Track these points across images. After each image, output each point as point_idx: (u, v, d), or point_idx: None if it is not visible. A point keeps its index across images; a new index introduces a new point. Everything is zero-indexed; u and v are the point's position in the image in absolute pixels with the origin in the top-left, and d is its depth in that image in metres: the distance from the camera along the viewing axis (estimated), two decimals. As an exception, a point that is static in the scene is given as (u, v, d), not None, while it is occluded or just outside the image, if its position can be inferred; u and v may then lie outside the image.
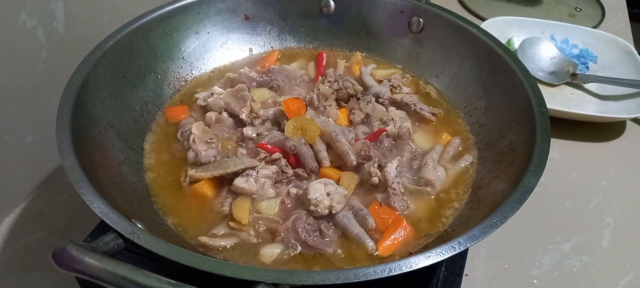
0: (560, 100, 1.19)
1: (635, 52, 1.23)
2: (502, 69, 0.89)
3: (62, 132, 0.68)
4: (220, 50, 1.05)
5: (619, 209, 0.94)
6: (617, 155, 1.06)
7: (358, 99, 0.93)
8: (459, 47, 0.98)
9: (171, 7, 0.96)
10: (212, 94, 0.92)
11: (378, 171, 0.78)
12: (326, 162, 0.81)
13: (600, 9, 1.55)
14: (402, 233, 0.73)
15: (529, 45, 1.27)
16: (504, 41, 1.19)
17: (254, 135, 0.86)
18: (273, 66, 1.01)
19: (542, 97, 0.80)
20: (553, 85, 1.23)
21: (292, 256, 0.71)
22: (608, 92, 1.19)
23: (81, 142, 0.70)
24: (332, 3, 1.08)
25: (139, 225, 0.61)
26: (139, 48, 0.91)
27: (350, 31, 1.09)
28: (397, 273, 0.55)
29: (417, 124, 0.93)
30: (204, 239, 0.72)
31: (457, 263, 0.75)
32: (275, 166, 0.80)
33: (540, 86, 0.85)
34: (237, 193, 0.78)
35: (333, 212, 0.74)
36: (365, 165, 0.80)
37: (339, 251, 0.72)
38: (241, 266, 0.64)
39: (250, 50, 1.08)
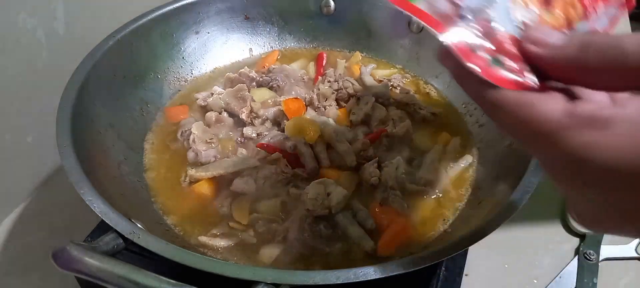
0: (560, 100, 1.19)
1: (635, 52, 1.22)
2: (502, 69, 0.89)
3: (62, 132, 0.68)
4: (220, 50, 1.05)
5: (619, 209, 0.94)
6: (617, 155, 1.06)
7: (358, 99, 0.93)
8: (459, 47, 0.98)
9: (171, 7, 0.96)
10: (212, 94, 0.92)
11: (378, 171, 0.78)
12: (326, 162, 0.81)
13: (600, 9, 1.55)
14: (402, 234, 0.73)
15: (529, 45, 1.27)
16: (504, 41, 1.18)
17: (254, 135, 0.86)
18: (273, 66, 1.01)
19: (542, 97, 0.80)
20: (553, 85, 1.23)
21: (292, 256, 0.71)
22: (608, 92, 1.18)
23: (81, 142, 0.70)
24: (332, 3, 1.08)
25: (139, 225, 0.61)
26: (139, 48, 0.91)
27: (350, 31, 1.09)
28: (397, 273, 0.55)
29: (417, 124, 0.93)
30: (204, 239, 0.72)
31: (457, 263, 0.75)
32: (275, 166, 0.80)
33: (540, 86, 0.85)
34: (237, 193, 0.78)
35: (333, 212, 0.74)
36: (365, 165, 0.80)
37: (339, 251, 0.72)
38: (241, 266, 0.63)
39: (250, 50, 1.08)
